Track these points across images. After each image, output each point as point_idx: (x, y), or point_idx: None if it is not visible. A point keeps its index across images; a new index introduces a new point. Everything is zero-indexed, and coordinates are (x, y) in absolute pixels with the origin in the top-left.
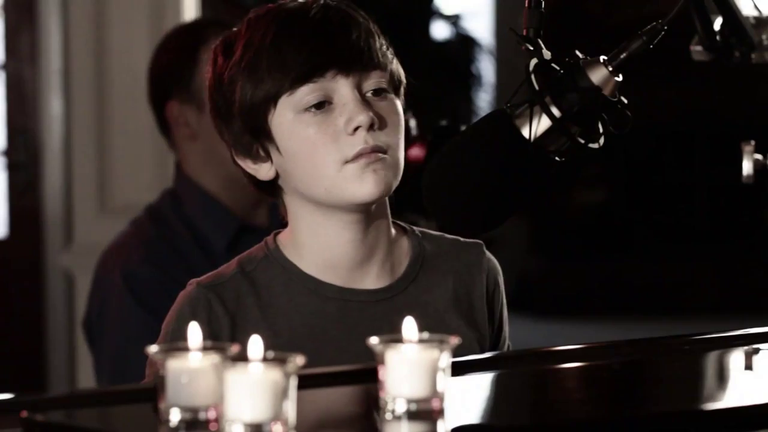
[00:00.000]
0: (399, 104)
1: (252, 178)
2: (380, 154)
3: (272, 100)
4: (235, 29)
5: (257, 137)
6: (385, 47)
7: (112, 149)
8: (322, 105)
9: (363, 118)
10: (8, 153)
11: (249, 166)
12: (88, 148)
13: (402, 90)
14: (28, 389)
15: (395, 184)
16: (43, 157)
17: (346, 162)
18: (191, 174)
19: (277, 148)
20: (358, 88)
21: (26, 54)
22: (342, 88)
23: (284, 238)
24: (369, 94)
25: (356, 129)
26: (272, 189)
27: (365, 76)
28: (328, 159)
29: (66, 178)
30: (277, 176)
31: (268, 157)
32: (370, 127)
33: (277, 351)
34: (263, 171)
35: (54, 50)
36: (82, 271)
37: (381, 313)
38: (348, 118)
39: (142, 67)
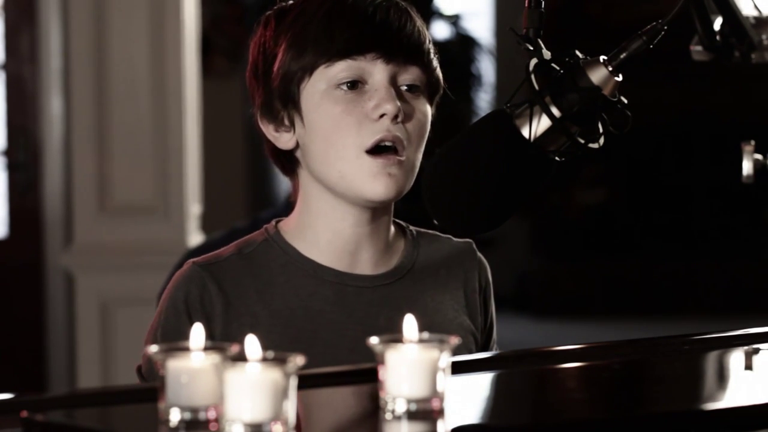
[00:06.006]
0: (428, 108)
1: (271, 147)
2: (398, 157)
3: (309, 70)
4: (291, 1)
5: (286, 104)
6: (432, 51)
7: (112, 149)
8: (355, 85)
9: (390, 107)
10: (8, 153)
11: (271, 132)
12: (88, 148)
13: (436, 99)
14: (28, 389)
15: (407, 188)
16: (43, 157)
17: (366, 152)
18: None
19: (302, 120)
20: (394, 78)
21: (26, 54)
22: (378, 73)
23: (286, 224)
24: (403, 88)
25: (381, 116)
26: (288, 161)
27: (404, 69)
28: (348, 142)
29: (66, 178)
30: (296, 148)
31: (291, 127)
32: (395, 118)
33: (274, 331)
34: (284, 140)
35: (54, 50)
36: (82, 271)
37: (378, 299)
38: (376, 103)
39: (142, 67)
